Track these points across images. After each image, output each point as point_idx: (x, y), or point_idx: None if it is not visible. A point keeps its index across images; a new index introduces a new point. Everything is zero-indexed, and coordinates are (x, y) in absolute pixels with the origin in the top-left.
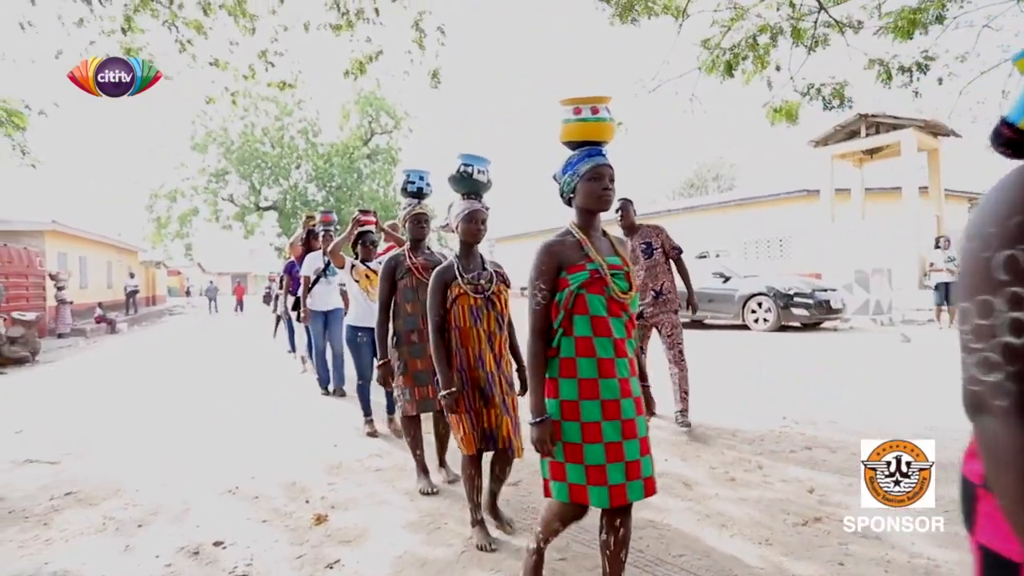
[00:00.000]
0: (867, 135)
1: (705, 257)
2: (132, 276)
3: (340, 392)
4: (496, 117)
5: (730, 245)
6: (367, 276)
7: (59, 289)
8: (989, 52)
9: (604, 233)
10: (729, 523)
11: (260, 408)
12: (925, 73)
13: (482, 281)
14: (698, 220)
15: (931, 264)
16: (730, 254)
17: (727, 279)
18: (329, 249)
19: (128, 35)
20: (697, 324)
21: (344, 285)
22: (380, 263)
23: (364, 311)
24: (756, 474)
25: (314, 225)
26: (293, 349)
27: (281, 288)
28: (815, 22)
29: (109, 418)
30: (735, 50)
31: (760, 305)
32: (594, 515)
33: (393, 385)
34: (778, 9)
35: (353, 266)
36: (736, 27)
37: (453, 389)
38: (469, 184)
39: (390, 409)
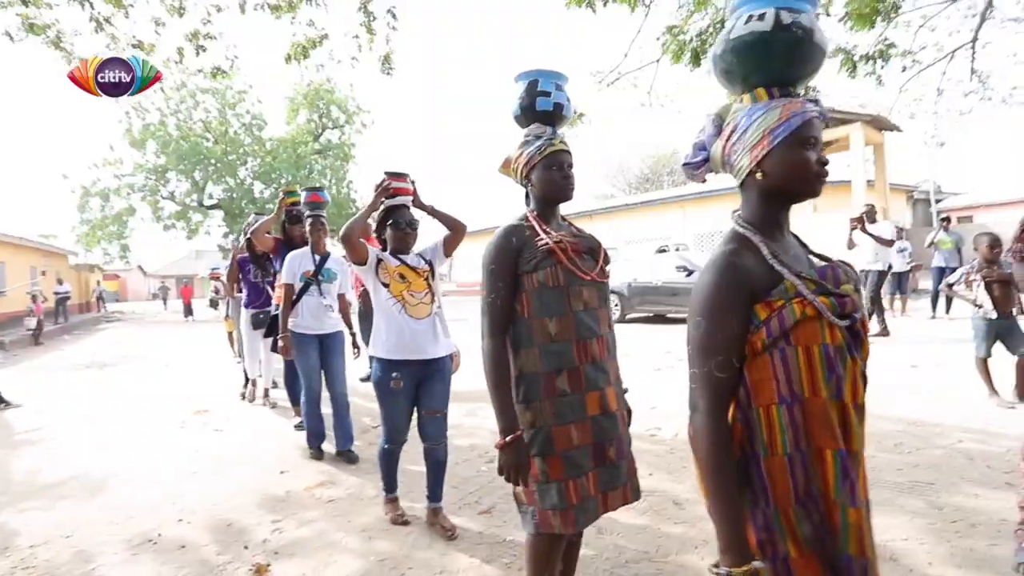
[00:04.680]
0: None
1: (665, 251)
2: (61, 282)
3: (349, 457)
4: (454, 106)
5: (688, 239)
6: (402, 276)
7: None
8: (924, 52)
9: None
10: None
11: (199, 429)
12: (887, 62)
13: (845, 285)
14: (655, 215)
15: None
16: (689, 248)
17: (690, 272)
18: (343, 234)
19: (31, 8)
20: (660, 319)
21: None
22: (420, 256)
23: (402, 334)
24: None
25: (294, 205)
26: (241, 357)
27: (230, 292)
28: None
29: (8, 448)
30: (703, 36)
31: None
32: None
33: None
34: None
35: (380, 261)
36: (702, 13)
37: None
38: (780, 48)
39: (434, 496)
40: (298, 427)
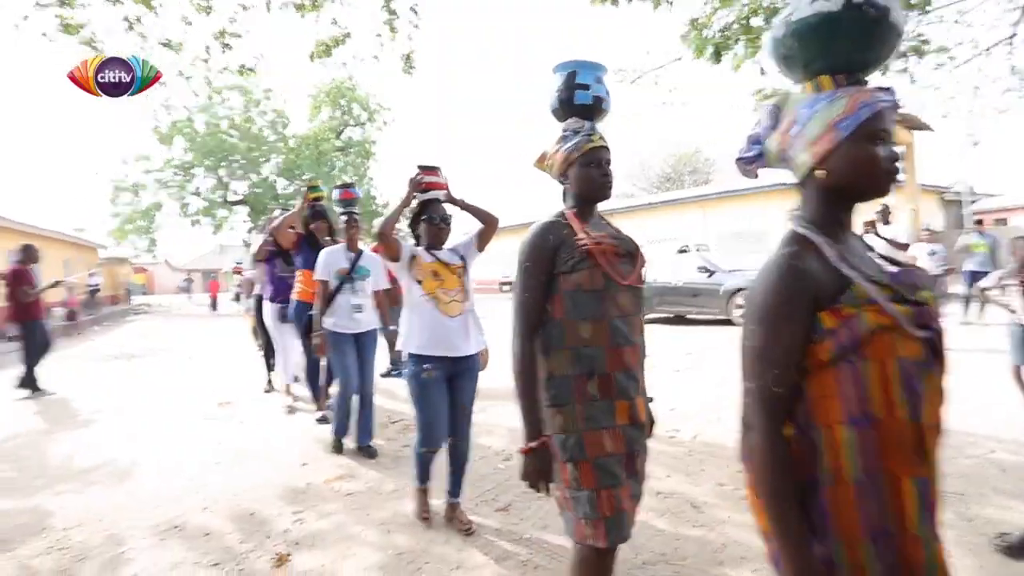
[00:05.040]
0: None
1: (686, 251)
2: (92, 274)
3: (368, 452)
4: (465, 106)
5: (708, 239)
6: (435, 274)
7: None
8: (959, 49)
9: None
10: (748, 555)
11: (223, 422)
12: (921, 57)
13: (922, 292)
14: (677, 214)
15: (914, 258)
16: (709, 248)
17: (711, 273)
18: (381, 228)
19: (66, 8)
20: (680, 320)
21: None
22: (454, 252)
23: (435, 331)
24: None
25: (316, 200)
26: (261, 348)
27: (248, 288)
28: None
29: (44, 435)
30: (725, 33)
31: None
32: None
33: (560, 489)
34: None
35: (414, 258)
36: (727, 7)
37: None
38: (849, 30)
39: (454, 491)
40: (319, 421)
